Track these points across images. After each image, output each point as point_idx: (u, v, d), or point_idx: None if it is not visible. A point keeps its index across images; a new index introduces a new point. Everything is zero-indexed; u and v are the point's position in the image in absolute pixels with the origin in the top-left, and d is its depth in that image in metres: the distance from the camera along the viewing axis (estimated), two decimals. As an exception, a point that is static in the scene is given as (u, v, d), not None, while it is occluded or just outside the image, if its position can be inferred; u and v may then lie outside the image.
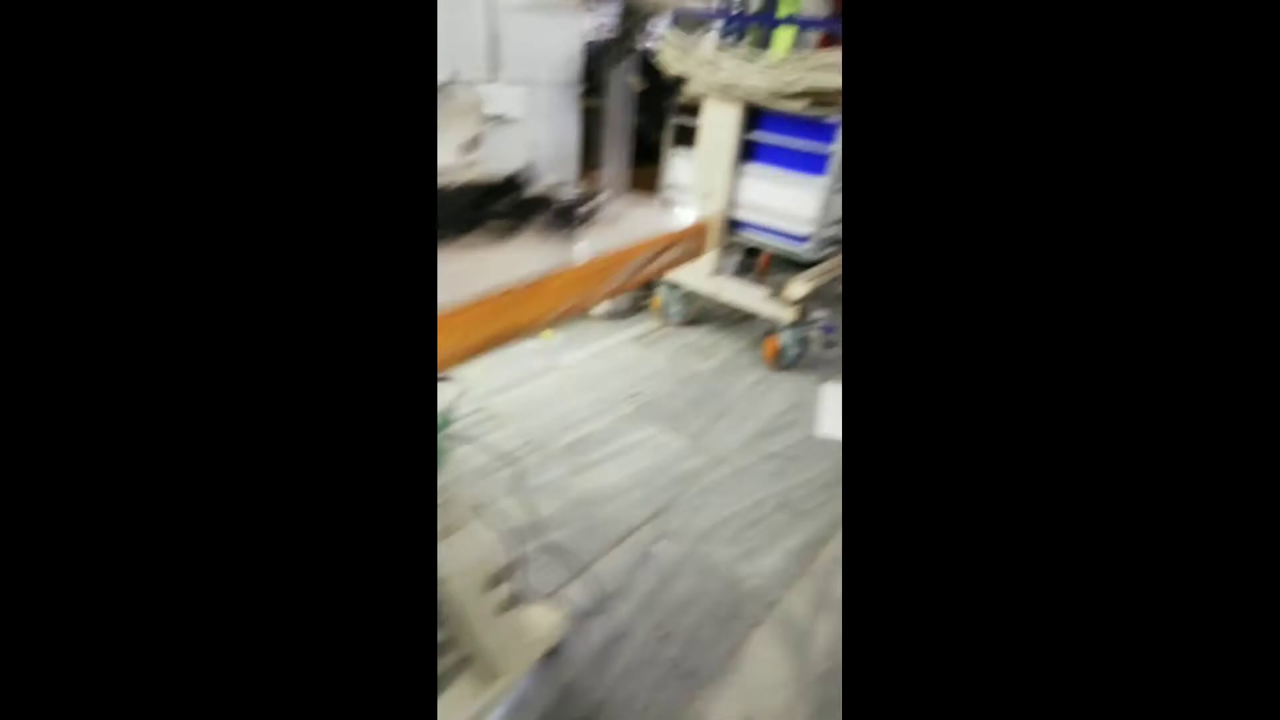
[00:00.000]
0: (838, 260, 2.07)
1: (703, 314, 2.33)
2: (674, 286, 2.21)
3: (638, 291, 2.40)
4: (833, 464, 1.59)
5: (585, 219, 0.65)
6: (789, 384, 1.96)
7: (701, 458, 1.56)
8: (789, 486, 1.49)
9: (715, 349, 2.15)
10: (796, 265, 1.95)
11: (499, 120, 1.89)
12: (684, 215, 0.71)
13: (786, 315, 1.91)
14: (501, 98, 1.87)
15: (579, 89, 2.10)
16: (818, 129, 1.75)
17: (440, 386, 1.98)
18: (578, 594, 1.13)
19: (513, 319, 0.53)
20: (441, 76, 1.68)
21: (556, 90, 2.03)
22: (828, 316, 2.30)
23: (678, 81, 1.92)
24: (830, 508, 1.42)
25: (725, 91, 1.80)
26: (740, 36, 2.53)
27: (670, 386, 1.89)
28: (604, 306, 2.29)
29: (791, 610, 1.14)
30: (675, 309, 2.26)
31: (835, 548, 1.30)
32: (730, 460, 1.56)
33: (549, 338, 2.13)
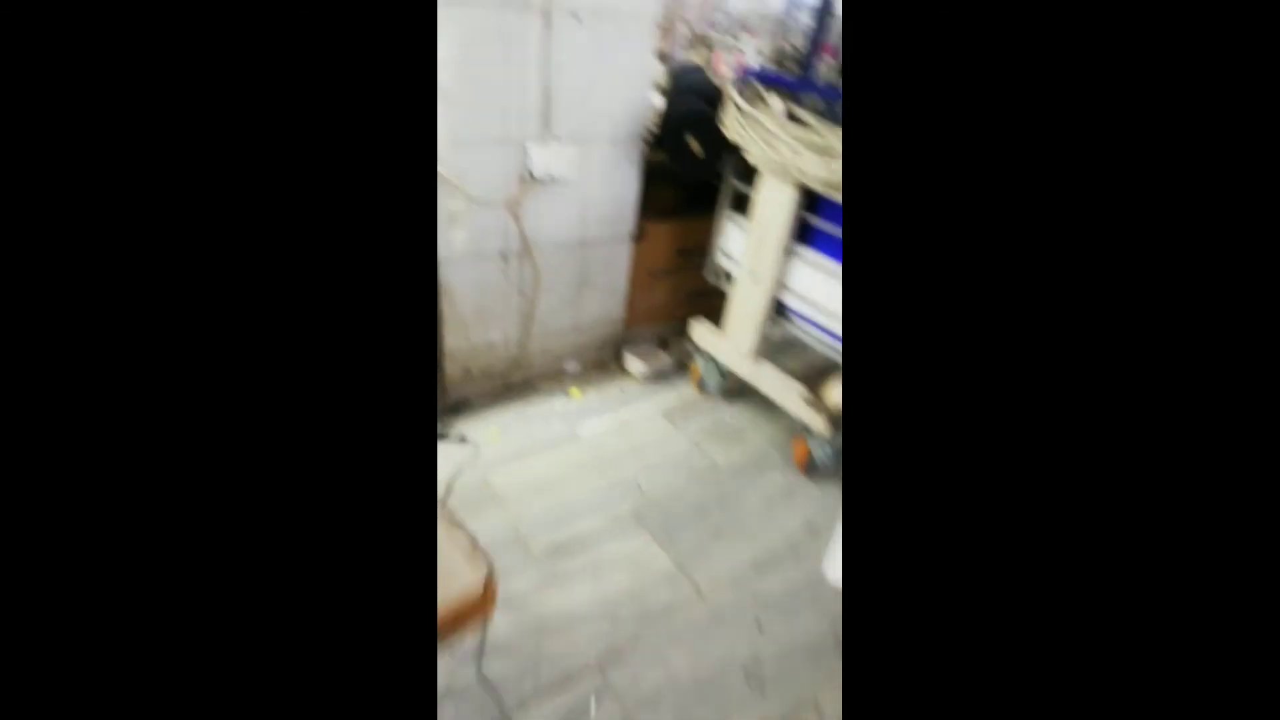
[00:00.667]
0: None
1: (744, 386, 2.18)
2: (712, 359, 2.08)
3: (681, 351, 2.29)
4: (829, 624, 1.43)
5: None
6: (812, 496, 1.79)
7: (683, 588, 1.47)
8: (765, 647, 1.37)
9: (745, 435, 2.01)
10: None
11: (549, 181, 1.83)
12: (468, 581, 0.62)
13: (819, 424, 1.73)
14: (553, 158, 1.81)
15: (641, 143, 1.98)
16: (879, 233, 1.52)
17: (453, 448, 1.97)
18: (497, 745, 1.12)
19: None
20: (492, 135, 1.65)
21: (615, 146, 1.92)
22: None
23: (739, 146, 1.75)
24: (799, 685, 1.29)
25: (781, 171, 1.61)
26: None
27: (681, 481, 1.79)
28: (642, 366, 2.21)
29: (705, 827, 1.06)
30: (713, 381, 2.13)
31: (783, 750, 1.18)
32: (712, 598, 1.46)
33: (576, 396, 2.10)
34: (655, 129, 2.00)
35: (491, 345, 2.01)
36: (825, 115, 1.74)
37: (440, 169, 1.63)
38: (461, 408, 1.98)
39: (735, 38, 3.55)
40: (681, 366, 2.29)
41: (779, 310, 1.86)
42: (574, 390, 2.11)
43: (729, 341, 1.98)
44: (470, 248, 1.80)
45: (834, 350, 1.73)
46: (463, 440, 1.85)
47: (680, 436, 1.98)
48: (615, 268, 2.16)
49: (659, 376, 2.24)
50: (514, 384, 2.11)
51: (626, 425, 2.00)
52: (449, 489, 1.67)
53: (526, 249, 1.89)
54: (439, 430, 1.87)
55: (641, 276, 2.27)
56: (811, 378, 1.83)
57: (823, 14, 2.40)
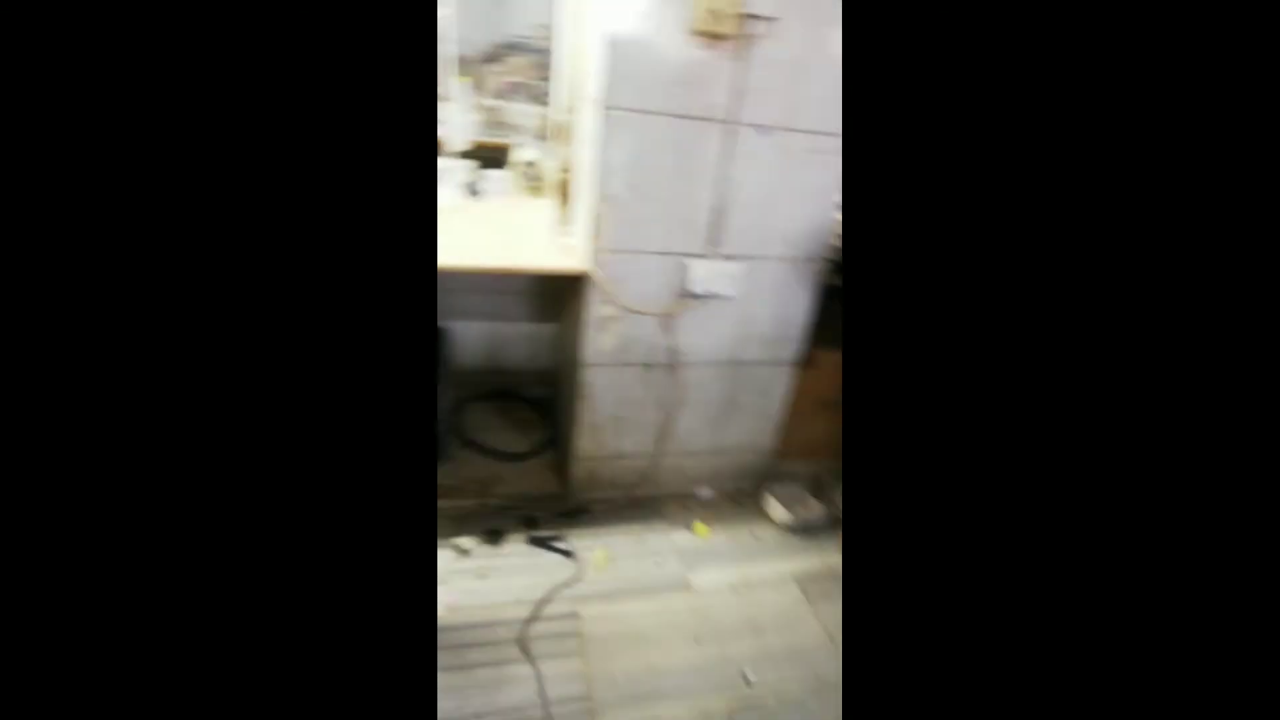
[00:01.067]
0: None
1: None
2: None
3: (836, 502, 1.92)
4: None
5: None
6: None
7: None
8: None
9: (902, 641, 1.56)
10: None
11: (708, 297, 1.68)
12: None
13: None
14: (716, 274, 1.66)
15: (821, 264, 1.75)
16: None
17: (557, 562, 1.81)
18: None
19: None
20: (654, 245, 1.56)
21: (788, 265, 1.72)
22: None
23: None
24: None
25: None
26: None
27: (801, 686, 1.42)
28: (785, 514, 1.89)
29: None
30: (870, 556, 1.73)
31: None
32: None
33: (702, 534, 1.84)
34: (839, 249, 1.76)
35: (623, 454, 1.87)
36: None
37: (597, 273, 1.57)
38: (580, 515, 1.85)
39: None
40: (835, 522, 1.91)
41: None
42: (699, 526, 1.86)
43: (896, 514, 1.59)
44: (616, 355, 1.70)
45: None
46: (569, 555, 1.70)
47: (813, 620, 1.60)
48: (770, 393, 1.91)
49: (803, 530, 1.89)
50: (640, 499, 1.93)
51: (750, 587, 1.69)
52: (537, 613, 1.52)
53: (674, 362, 1.75)
54: (551, 537, 1.75)
55: (804, 406, 1.98)
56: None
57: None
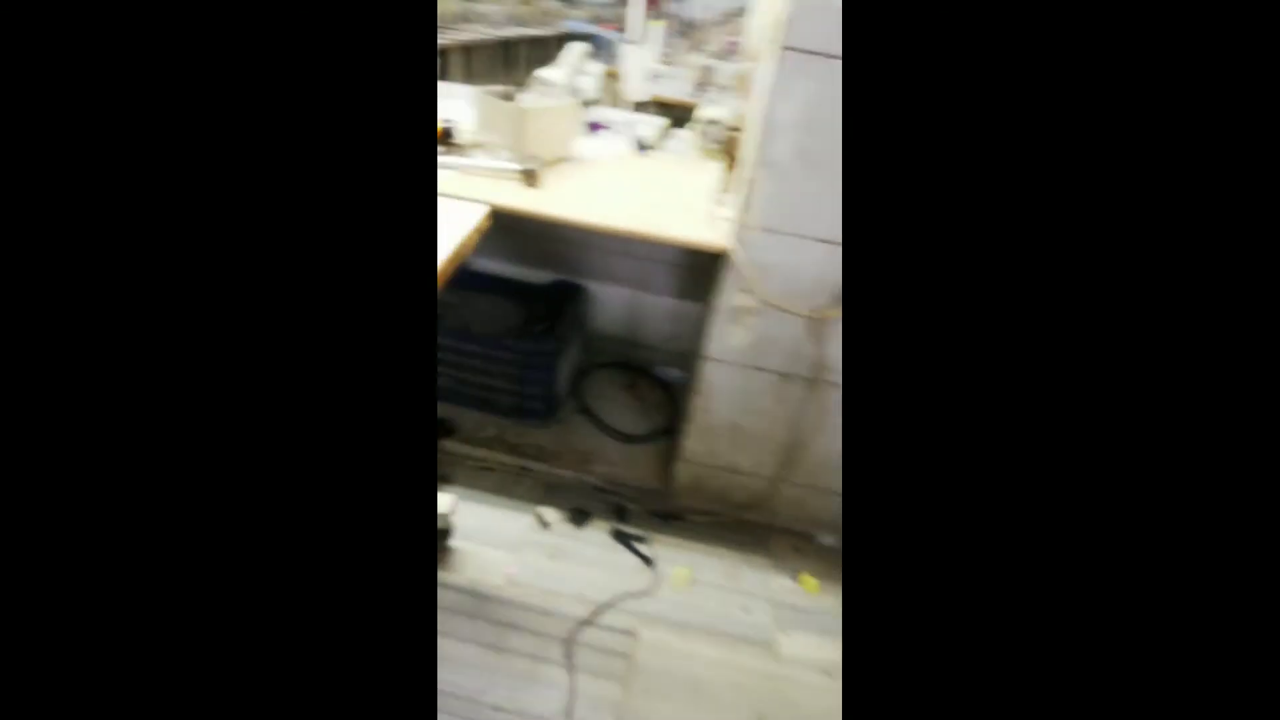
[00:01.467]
0: None
1: None
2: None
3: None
4: None
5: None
6: None
7: None
8: None
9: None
10: None
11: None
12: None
13: None
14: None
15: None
16: None
17: (634, 567, 1.68)
18: None
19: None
20: (817, 229, 1.26)
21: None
22: None
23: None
24: None
25: None
26: None
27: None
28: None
29: None
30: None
31: None
32: None
33: (809, 590, 1.52)
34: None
35: (737, 469, 1.61)
36: None
37: (738, 254, 1.31)
38: (674, 520, 1.65)
39: None
40: (995, 631, 1.44)
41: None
42: (808, 579, 1.54)
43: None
44: (747, 354, 1.44)
45: None
46: (648, 563, 1.52)
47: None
48: (942, 447, 1.47)
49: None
50: (746, 524, 1.67)
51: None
52: (594, 617, 1.37)
53: (818, 378, 1.42)
54: (637, 536, 1.58)
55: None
56: None
57: None
